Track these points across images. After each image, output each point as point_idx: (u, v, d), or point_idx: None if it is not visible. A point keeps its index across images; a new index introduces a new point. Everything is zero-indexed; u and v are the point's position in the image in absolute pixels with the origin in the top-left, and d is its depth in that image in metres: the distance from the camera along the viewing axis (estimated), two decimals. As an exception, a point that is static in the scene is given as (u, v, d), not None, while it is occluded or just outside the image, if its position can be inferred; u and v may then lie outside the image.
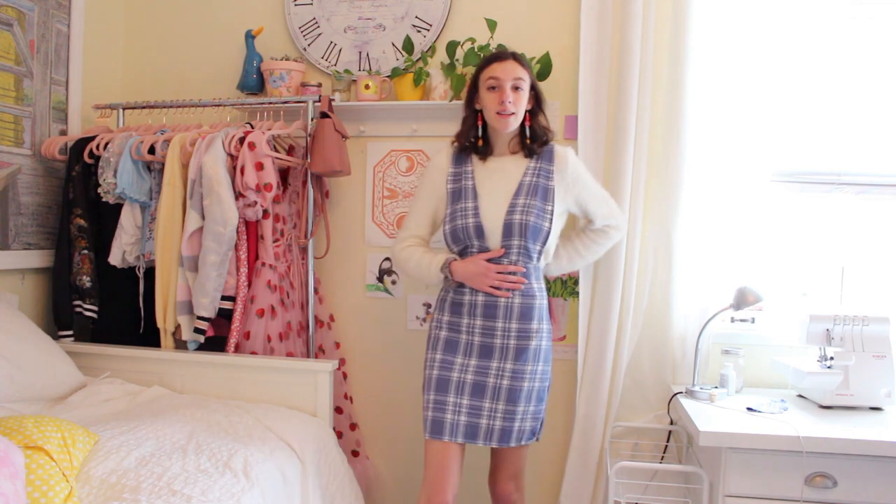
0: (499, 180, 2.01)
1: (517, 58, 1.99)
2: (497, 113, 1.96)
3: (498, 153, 2.07)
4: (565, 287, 2.57)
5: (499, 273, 1.95)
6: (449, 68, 2.50)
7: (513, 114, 1.96)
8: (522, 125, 2.03)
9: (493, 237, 1.97)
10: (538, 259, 2.02)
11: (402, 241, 2.13)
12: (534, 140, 2.04)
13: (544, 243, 1.99)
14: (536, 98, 2.04)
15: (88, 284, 2.42)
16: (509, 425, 1.96)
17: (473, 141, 2.05)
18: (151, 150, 2.36)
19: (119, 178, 2.34)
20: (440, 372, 2.00)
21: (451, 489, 1.96)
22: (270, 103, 2.51)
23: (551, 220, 1.99)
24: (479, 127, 2.04)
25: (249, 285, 2.33)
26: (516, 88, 1.96)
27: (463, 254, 2.03)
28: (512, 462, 2.08)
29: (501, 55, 2.00)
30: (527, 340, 1.97)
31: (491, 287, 1.95)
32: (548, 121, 2.09)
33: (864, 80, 2.42)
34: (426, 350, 2.07)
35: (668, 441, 2.41)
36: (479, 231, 1.97)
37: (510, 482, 2.09)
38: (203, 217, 2.26)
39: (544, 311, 2.04)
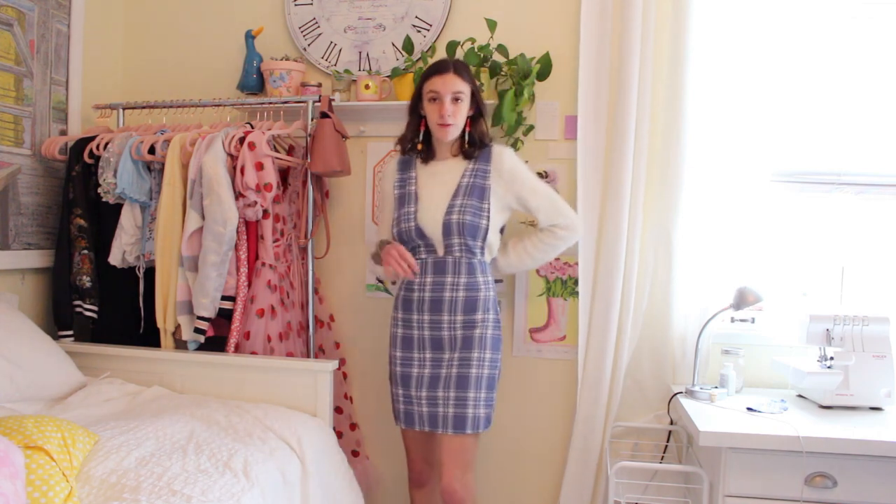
0: (439, 183, 2.13)
1: (458, 70, 2.05)
2: (438, 124, 2.07)
3: (440, 157, 2.18)
4: (565, 287, 2.58)
5: (400, 256, 2.07)
6: (449, 68, 2.50)
7: (451, 125, 2.07)
8: (463, 131, 2.12)
9: (435, 237, 2.09)
10: (481, 254, 2.12)
11: (372, 247, 2.30)
12: (472, 145, 2.12)
13: (484, 239, 2.10)
14: (477, 105, 2.12)
15: (88, 284, 2.42)
16: (462, 412, 2.03)
17: (414, 145, 2.16)
18: (151, 150, 2.36)
19: (119, 178, 2.34)
20: (403, 368, 2.15)
21: (433, 465, 2.21)
22: (270, 103, 2.51)
23: (488, 217, 2.09)
24: (422, 132, 2.14)
25: (249, 285, 2.33)
26: (456, 100, 2.05)
27: (412, 253, 2.15)
28: (455, 453, 2.04)
29: (442, 67, 2.06)
30: (471, 329, 2.08)
31: (386, 264, 2.10)
32: (488, 127, 2.18)
33: (864, 81, 2.42)
34: (389, 347, 2.21)
35: (668, 441, 2.41)
36: (420, 233, 2.10)
37: (453, 473, 2.04)
38: (203, 217, 2.26)
39: (490, 302, 2.11)
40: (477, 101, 2.11)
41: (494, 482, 2.64)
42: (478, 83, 2.21)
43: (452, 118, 2.05)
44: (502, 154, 2.14)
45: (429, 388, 2.09)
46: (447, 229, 2.06)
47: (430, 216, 2.09)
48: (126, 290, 2.46)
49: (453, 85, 2.03)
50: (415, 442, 2.21)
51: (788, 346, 2.39)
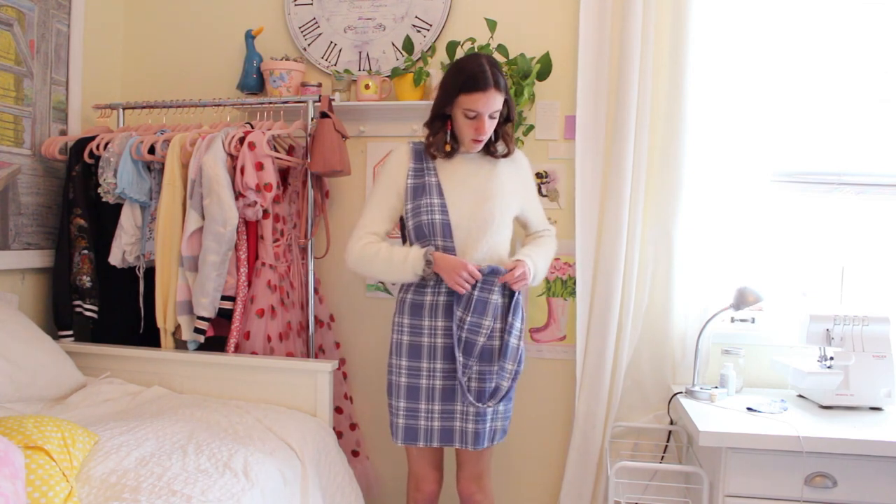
0: (464, 179, 1.99)
1: (497, 84, 1.89)
2: (472, 139, 1.95)
3: (462, 150, 2.03)
4: (565, 287, 2.58)
5: (468, 274, 1.87)
6: (449, 68, 2.50)
7: (485, 138, 1.96)
8: None
9: (459, 234, 1.95)
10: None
11: (359, 240, 2.00)
12: (496, 141, 2.01)
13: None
14: (507, 106, 1.98)
15: (88, 284, 2.42)
16: (482, 427, 1.95)
17: (443, 147, 2.00)
18: (151, 150, 2.36)
19: (119, 178, 2.34)
20: (409, 380, 1.99)
21: (437, 479, 2.10)
22: (270, 103, 2.51)
23: (511, 224, 2.04)
24: (449, 132, 1.99)
25: (249, 285, 2.33)
26: (492, 117, 1.93)
27: None
28: (474, 462, 2.05)
29: (482, 83, 1.87)
30: (491, 340, 1.96)
31: (455, 283, 1.88)
32: (514, 129, 2.07)
33: (865, 81, 2.42)
34: (390, 355, 2.05)
35: (668, 441, 2.41)
36: (446, 228, 1.94)
37: (473, 482, 2.06)
38: (203, 217, 2.26)
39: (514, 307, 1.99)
40: (508, 105, 1.97)
41: (494, 482, 2.61)
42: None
43: (488, 133, 1.95)
44: (523, 160, 2.11)
45: (443, 401, 1.96)
46: (476, 230, 1.94)
47: (459, 212, 1.95)
48: (126, 290, 2.46)
49: (495, 103, 1.89)
50: (425, 460, 2.06)
51: (788, 346, 2.39)
